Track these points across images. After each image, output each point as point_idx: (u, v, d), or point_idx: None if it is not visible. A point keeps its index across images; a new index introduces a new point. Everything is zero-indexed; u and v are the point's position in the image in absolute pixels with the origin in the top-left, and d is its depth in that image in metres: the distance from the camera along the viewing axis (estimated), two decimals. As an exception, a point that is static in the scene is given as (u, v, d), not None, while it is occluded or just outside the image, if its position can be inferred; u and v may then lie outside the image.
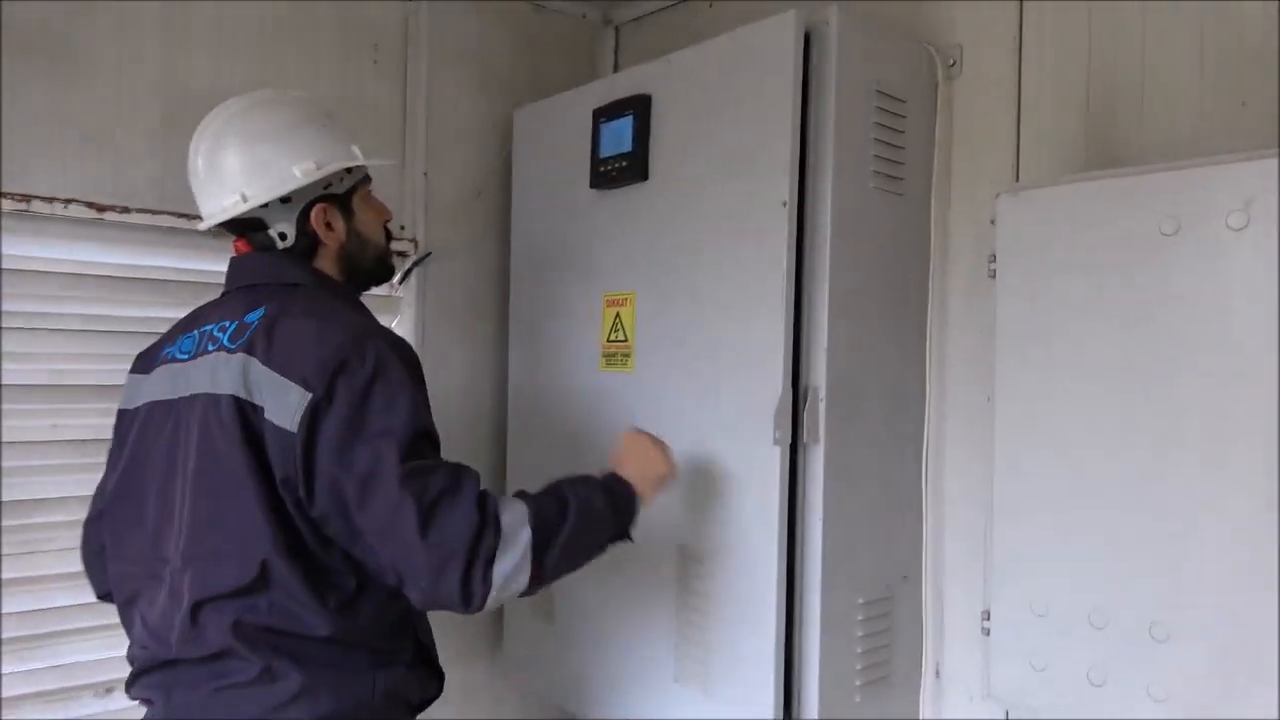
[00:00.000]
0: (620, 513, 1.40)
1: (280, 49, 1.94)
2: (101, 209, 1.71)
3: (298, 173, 1.33)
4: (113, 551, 1.38)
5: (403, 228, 2.12)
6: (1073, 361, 1.40)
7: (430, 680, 1.41)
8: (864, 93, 1.64)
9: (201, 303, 1.46)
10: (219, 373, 1.24)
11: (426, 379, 2.19)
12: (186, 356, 1.32)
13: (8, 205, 1.62)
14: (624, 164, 1.81)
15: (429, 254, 2.15)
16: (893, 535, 1.76)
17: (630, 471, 1.44)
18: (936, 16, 1.80)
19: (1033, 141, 1.68)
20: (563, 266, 2.06)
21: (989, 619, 1.51)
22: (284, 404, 1.19)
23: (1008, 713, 1.68)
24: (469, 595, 1.19)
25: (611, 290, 1.89)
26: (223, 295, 1.42)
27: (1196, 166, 1.27)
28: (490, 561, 1.20)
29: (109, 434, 1.47)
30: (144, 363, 1.43)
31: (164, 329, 1.50)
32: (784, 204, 1.55)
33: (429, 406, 1.29)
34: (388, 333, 1.32)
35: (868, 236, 1.68)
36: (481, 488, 1.24)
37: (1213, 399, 1.26)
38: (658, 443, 1.52)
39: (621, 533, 1.41)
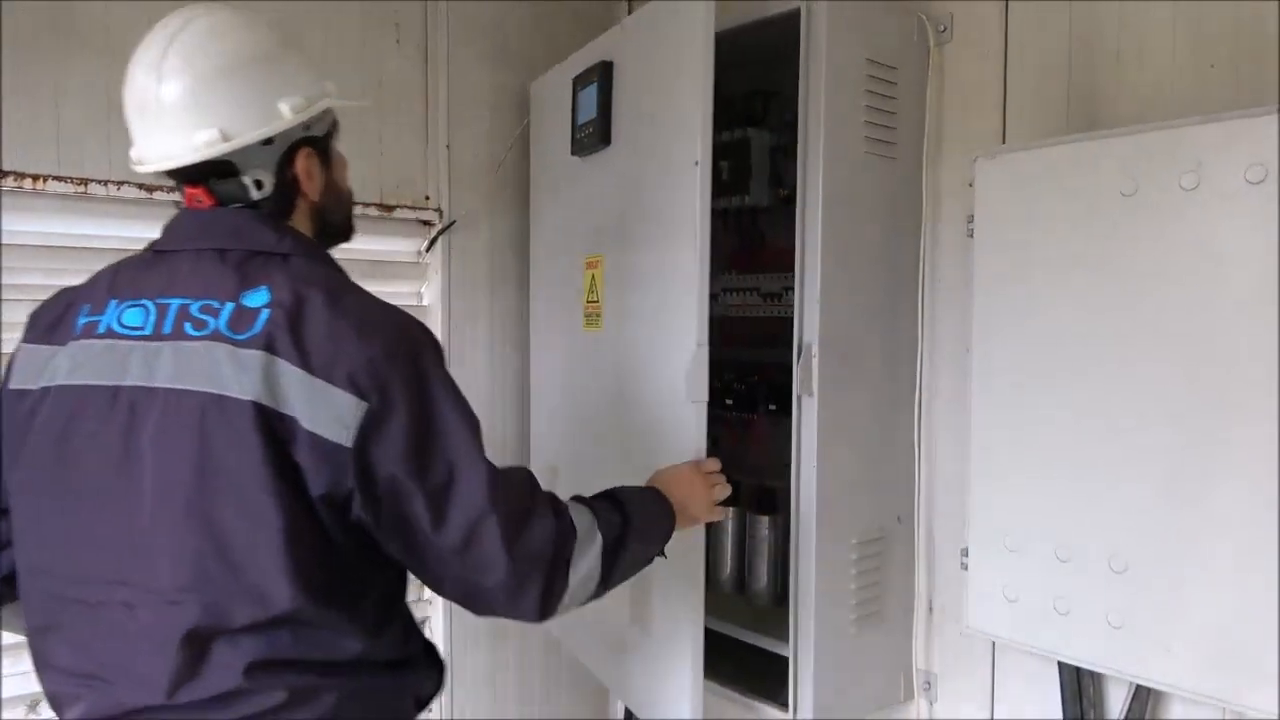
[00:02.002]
0: (666, 531, 1.39)
1: (306, 33, 2.06)
2: (151, 189, 1.86)
3: (286, 110, 1.13)
4: (24, 566, 1.12)
5: (427, 197, 2.25)
6: (1042, 315, 1.50)
7: (436, 674, 1.30)
8: (855, 63, 1.73)
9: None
10: (224, 370, 1.02)
11: (454, 340, 2.32)
12: (137, 333, 1.07)
13: (67, 189, 1.77)
14: (591, 130, 1.88)
15: (453, 222, 2.27)
16: (886, 480, 1.87)
17: (675, 496, 1.42)
18: (929, -16, 1.87)
19: (1018, 105, 1.76)
20: (560, 231, 2.17)
21: (967, 555, 1.62)
22: (328, 412, 1.02)
23: (994, 644, 1.81)
24: (547, 605, 1.15)
25: (588, 252, 1.96)
26: (159, 254, 1.16)
27: (1152, 131, 1.35)
28: (568, 567, 1.16)
29: None
30: (48, 331, 1.14)
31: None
32: (696, 163, 1.55)
33: None
34: (410, 314, 1.17)
35: (860, 199, 1.77)
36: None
37: (1168, 350, 1.35)
38: (708, 481, 1.51)
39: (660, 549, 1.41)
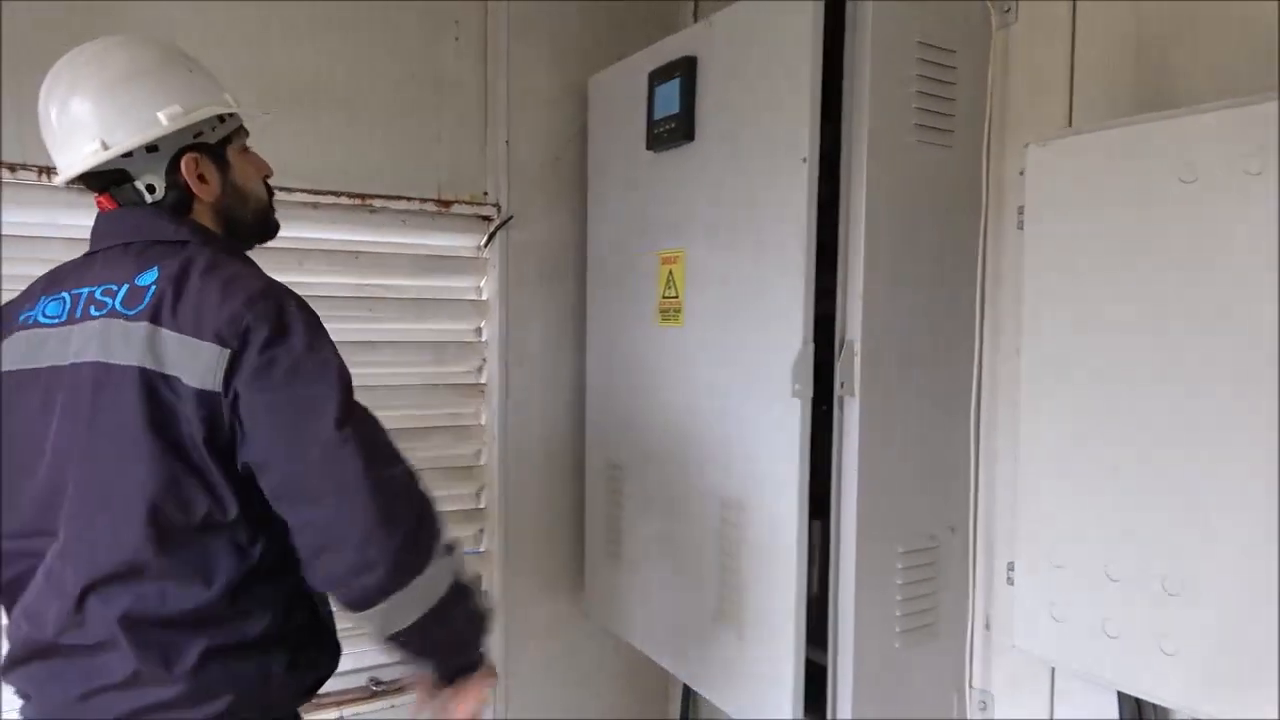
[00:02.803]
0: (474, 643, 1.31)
1: (368, 33, 2.10)
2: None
3: (163, 118, 1.21)
4: None
5: (485, 193, 2.27)
6: (1096, 314, 1.38)
7: (324, 657, 1.34)
8: (902, 46, 1.64)
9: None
10: (115, 341, 1.15)
11: (511, 334, 2.32)
12: (54, 321, 1.22)
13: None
14: (673, 125, 1.88)
15: (511, 217, 2.29)
16: (938, 487, 1.77)
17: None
18: (991, -37, 1.76)
19: (1086, 89, 1.63)
20: (627, 226, 2.15)
21: (1013, 570, 1.52)
22: (200, 365, 1.12)
23: (1053, 670, 1.68)
24: (405, 558, 1.13)
25: (665, 248, 1.97)
26: (88, 255, 1.29)
27: (1213, 110, 1.22)
28: (432, 538, 1.18)
29: None
30: None
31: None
32: (804, 160, 1.57)
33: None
34: (283, 284, 1.23)
35: (910, 190, 1.68)
36: None
37: (1232, 354, 1.22)
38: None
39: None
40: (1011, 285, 1.74)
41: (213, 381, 1.12)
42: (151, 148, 1.23)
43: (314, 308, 2.08)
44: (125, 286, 1.18)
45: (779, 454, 1.66)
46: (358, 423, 1.15)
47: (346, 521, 1.12)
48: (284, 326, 1.16)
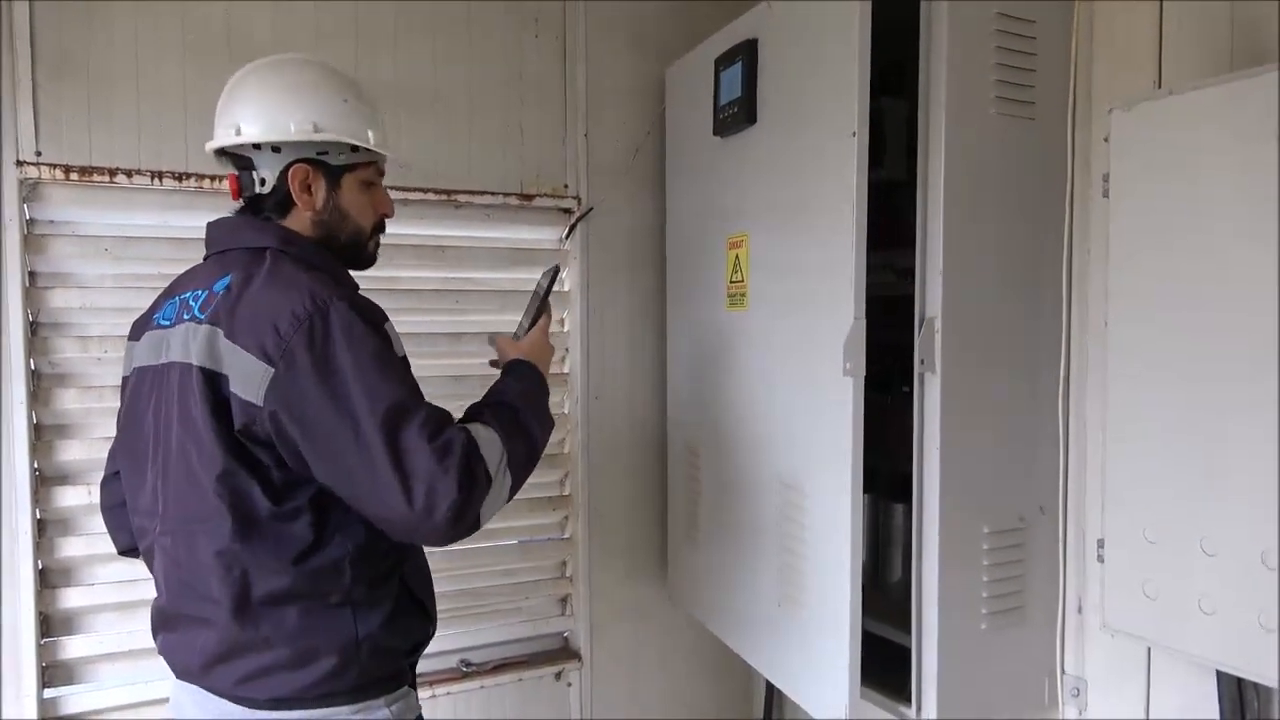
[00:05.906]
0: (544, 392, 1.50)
1: (450, 33, 2.17)
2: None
3: (292, 127, 1.34)
4: (131, 507, 1.44)
5: (566, 186, 2.32)
6: (1185, 282, 1.34)
7: (422, 624, 1.43)
8: (982, 18, 1.62)
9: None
10: (190, 343, 1.26)
11: (593, 325, 2.36)
12: (168, 324, 1.34)
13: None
14: (735, 109, 1.89)
15: (590, 209, 2.33)
16: (1027, 466, 1.74)
17: (543, 365, 1.54)
18: (1074, -72, 1.72)
19: (1175, 54, 1.58)
20: (699, 213, 2.17)
21: (1103, 546, 1.48)
22: (246, 376, 1.20)
23: (1149, 653, 1.63)
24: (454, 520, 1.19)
25: (731, 233, 1.98)
26: (203, 261, 1.42)
27: (1308, 63, 1.18)
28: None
29: None
30: (137, 330, 1.46)
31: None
32: (853, 135, 1.56)
33: (400, 362, 1.28)
34: (352, 295, 1.29)
35: (991, 163, 1.66)
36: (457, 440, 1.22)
37: (1334, 313, 1.18)
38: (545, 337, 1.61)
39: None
40: (1100, 257, 1.69)
41: (256, 396, 1.20)
42: (276, 149, 1.36)
43: (401, 301, 2.19)
44: (205, 292, 1.30)
45: (833, 435, 1.64)
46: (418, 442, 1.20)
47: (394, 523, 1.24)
48: (324, 345, 1.20)
